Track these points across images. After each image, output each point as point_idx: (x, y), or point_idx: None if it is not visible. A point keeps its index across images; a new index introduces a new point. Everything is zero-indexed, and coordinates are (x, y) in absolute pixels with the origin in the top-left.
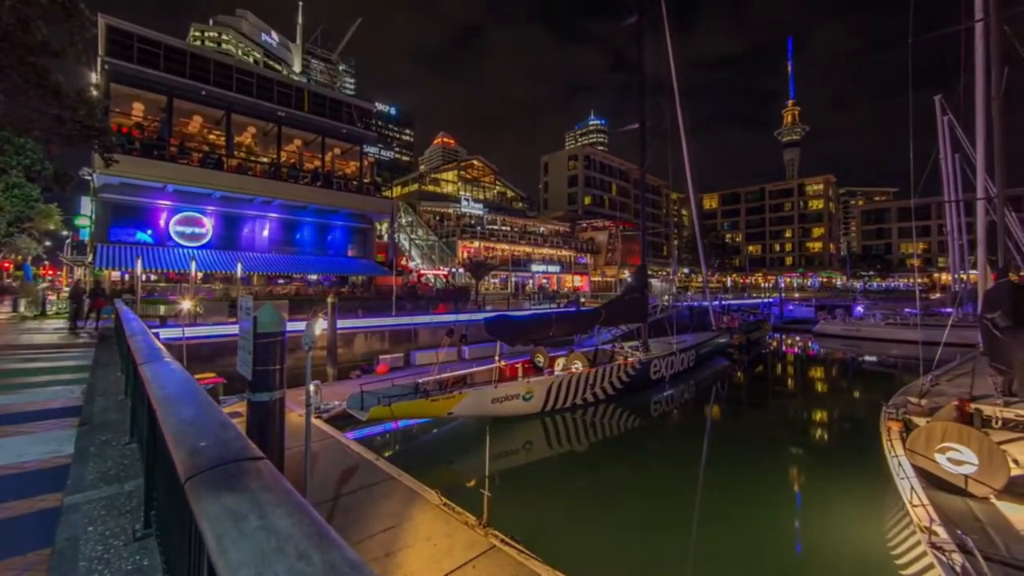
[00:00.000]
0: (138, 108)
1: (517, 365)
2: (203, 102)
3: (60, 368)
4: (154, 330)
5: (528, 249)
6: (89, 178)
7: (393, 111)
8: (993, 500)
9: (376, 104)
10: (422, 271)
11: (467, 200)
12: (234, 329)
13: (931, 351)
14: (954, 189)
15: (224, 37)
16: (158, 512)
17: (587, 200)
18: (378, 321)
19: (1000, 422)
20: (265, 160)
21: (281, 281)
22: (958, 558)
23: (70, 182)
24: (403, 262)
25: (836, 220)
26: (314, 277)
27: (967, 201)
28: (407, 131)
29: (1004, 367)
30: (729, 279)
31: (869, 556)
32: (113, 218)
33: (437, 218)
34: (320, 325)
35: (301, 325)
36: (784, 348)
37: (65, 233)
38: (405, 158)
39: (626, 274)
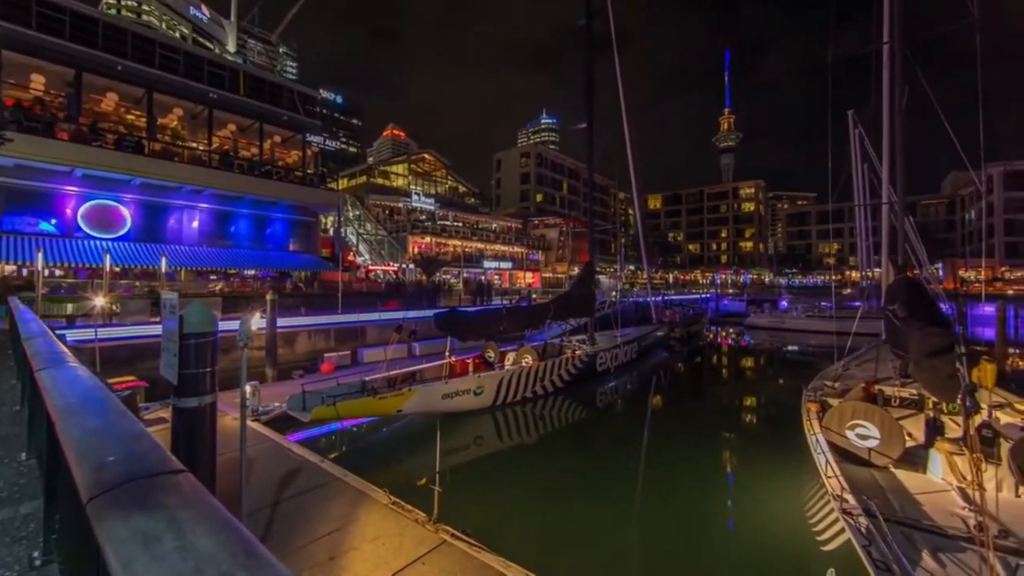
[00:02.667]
0: (38, 80)
1: (468, 360)
2: (120, 78)
3: None
4: (59, 332)
5: (480, 245)
6: None
7: (339, 99)
8: (892, 469)
9: (321, 91)
10: (371, 267)
11: (418, 194)
12: (158, 329)
13: (844, 340)
14: (863, 196)
15: (145, 8)
16: (60, 537)
17: (539, 198)
18: (323, 319)
19: (898, 400)
20: (194, 145)
21: (213, 277)
22: (863, 521)
23: None
24: (350, 257)
25: (765, 222)
26: (251, 273)
27: (873, 206)
28: (354, 120)
29: (902, 352)
30: (671, 276)
31: (791, 524)
32: (7, 205)
33: (386, 212)
34: (257, 321)
35: (236, 324)
36: (719, 340)
37: None
38: (352, 149)
39: (576, 271)
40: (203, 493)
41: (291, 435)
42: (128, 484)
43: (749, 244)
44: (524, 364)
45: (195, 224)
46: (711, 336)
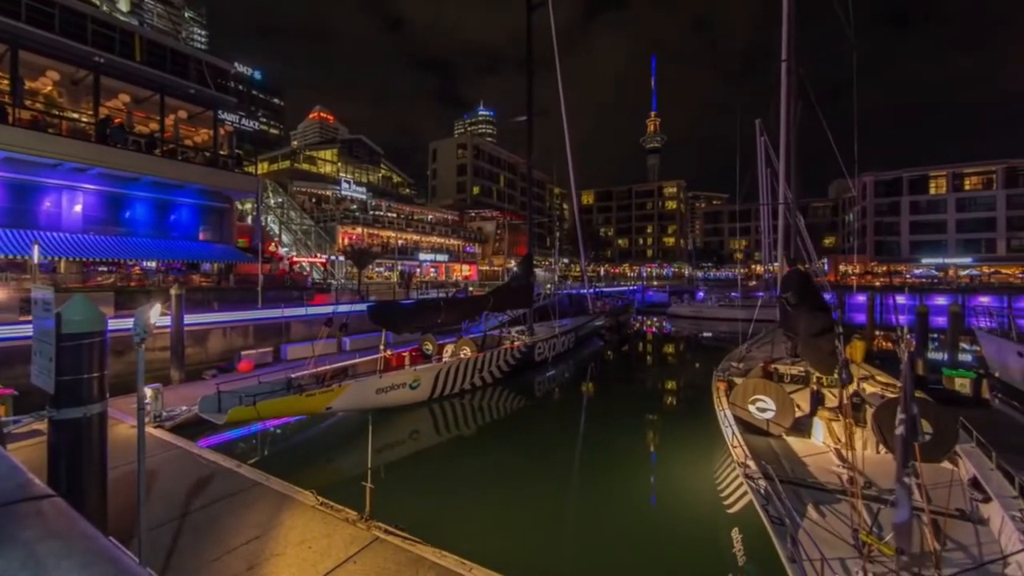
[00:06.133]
0: None
1: (404, 354)
2: None
3: None
4: None
5: (416, 237)
6: None
7: (258, 75)
8: (785, 436)
9: (236, 64)
10: (295, 258)
11: (348, 182)
12: (30, 330)
13: (748, 325)
14: (766, 197)
15: None
16: None
17: (476, 190)
18: (240, 315)
19: (789, 377)
20: (76, 116)
21: (103, 269)
22: (763, 483)
23: None
24: (271, 248)
25: (685, 219)
26: (153, 265)
27: (774, 207)
28: (276, 99)
29: (792, 335)
30: (603, 269)
31: (704, 491)
32: None
33: (313, 200)
34: (156, 313)
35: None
36: (645, 328)
37: None
38: (274, 131)
39: (513, 264)
40: (74, 520)
41: (203, 440)
42: None
43: (672, 240)
44: (463, 356)
45: (78, 208)
46: (638, 325)
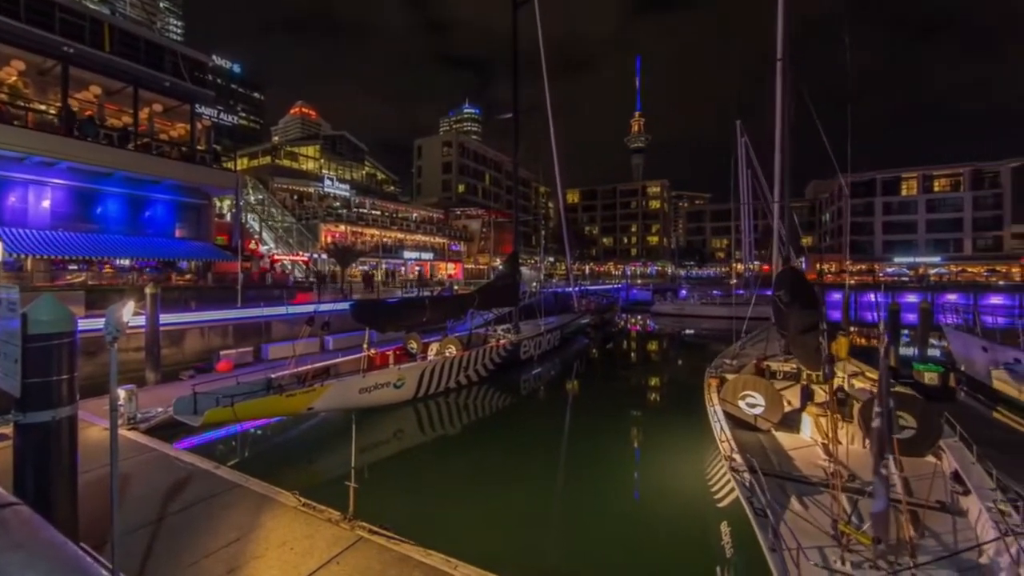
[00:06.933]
0: None
1: (388, 353)
2: None
3: None
4: None
5: (400, 235)
6: None
7: (237, 68)
8: (773, 431)
9: (214, 57)
10: (276, 256)
11: (331, 179)
12: None
13: (739, 323)
14: (748, 197)
15: None
16: None
17: (461, 188)
18: (218, 314)
19: (782, 374)
20: (43, 108)
21: (74, 267)
22: (747, 476)
23: None
24: (252, 246)
25: (669, 219)
26: (127, 263)
27: (756, 207)
28: (256, 94)
29: (785, 332)
30: (587, 267)
31: (693, 485)
32: None
33: (295, 197)
34: (129, 311)
35: (102, 322)
36: (629, 326)
37: None
38: (254, 126)
39: (498, 262)
40: (40, 528)
41: (180, 442)
42: None
43: (655, 238)
44: (448, 354)
45: (46, 203)
46: (622, 323)
